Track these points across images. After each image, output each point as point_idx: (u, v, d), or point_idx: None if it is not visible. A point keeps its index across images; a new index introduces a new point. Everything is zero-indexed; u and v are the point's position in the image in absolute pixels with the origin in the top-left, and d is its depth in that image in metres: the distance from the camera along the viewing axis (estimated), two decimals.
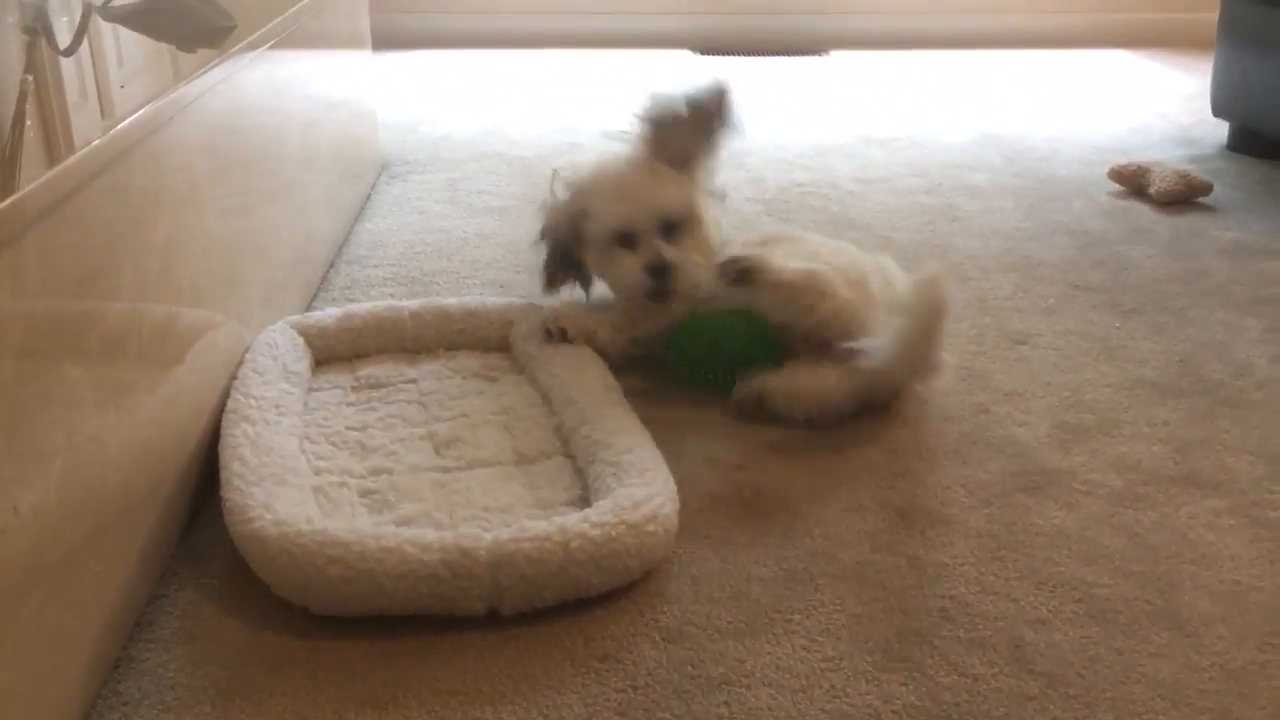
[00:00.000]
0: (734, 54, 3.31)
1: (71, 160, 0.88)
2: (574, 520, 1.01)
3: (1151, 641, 0.97)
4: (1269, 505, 1.16)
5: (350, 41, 2.03)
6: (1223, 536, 1.11)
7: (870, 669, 0.94)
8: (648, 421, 1.27)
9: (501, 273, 1.74)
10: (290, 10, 1.54)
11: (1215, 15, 2.38)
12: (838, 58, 3.28)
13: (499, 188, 2.14)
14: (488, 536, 0.98)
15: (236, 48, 1.30)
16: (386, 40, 3.36)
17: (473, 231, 1.91)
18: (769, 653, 0.96)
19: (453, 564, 0.96)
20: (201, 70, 1.18)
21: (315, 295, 1.65)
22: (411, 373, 1.37)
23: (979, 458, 1.25)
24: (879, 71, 3.12)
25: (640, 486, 1.07)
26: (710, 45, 3.40)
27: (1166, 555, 1.08)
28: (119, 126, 0.97)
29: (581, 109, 2.70)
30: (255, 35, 1.37)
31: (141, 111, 1.02)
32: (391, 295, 1.65)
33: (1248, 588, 1.04)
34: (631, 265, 1.38)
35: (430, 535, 0.98)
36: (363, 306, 1.43)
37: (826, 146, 2.42)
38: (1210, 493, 1.18)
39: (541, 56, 3.26)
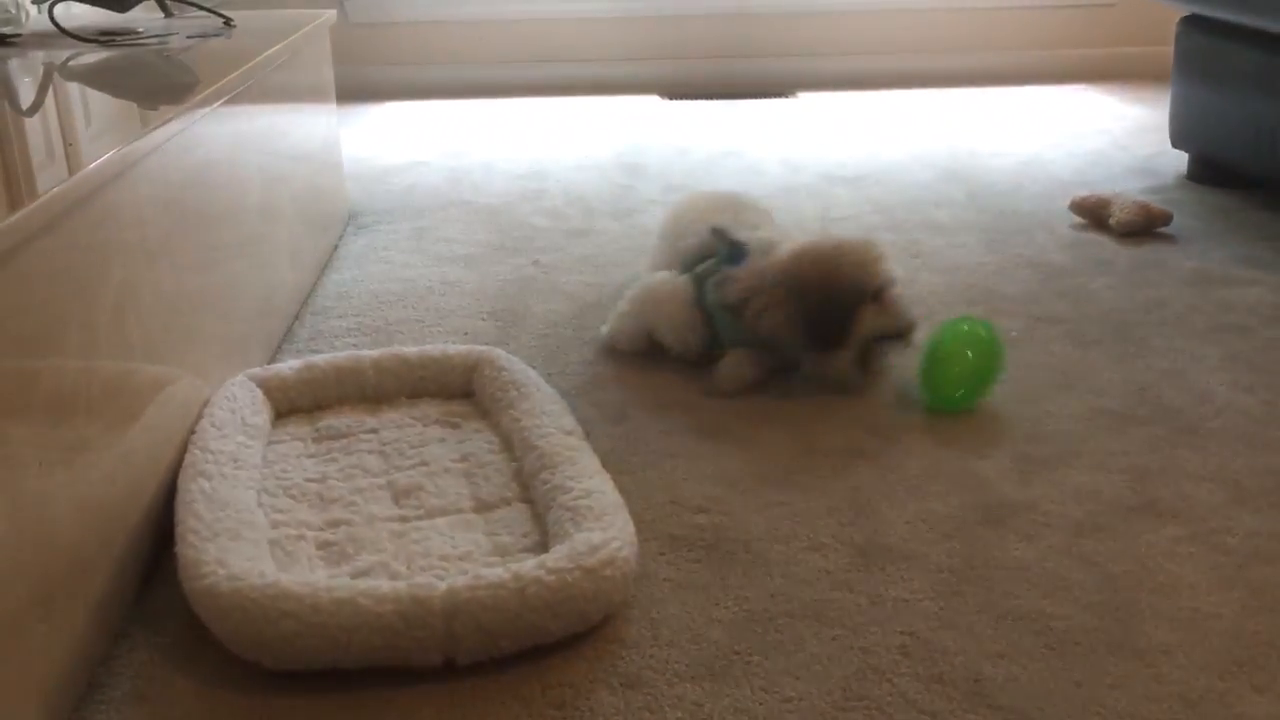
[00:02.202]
0: (702, 98, 3.34)
1: (15, 217, 0.88)
2: (529, 567, 1.00)
3: (1110, 672, 0.97)
4: (1228, 532, 1.16)
5: (314, 94, 2.04)
6: (1182, 565, 1.11)
7: (829, 709, 0.94)
8: (614, 464, 1.28)
9: (466, 320, 1.75)
10: (248, 65, 1.55)
11: (1171, 49, 2.42)
12: (805, 99, 3.31)
13: (466, 236, 2.14)
14: (442, 586, 0.98)
15: (190, 103, 1.30)
16: (354, 92, 3.39)
17: (438, 280, 1.91)
18: (728, 695, 0.95)
19: (407, 615, 0.96)
20: (153, 126, 1.19)
21: (279, 348, 1.65)
22: (372, 422, 1.37)
23: (940, 492, 1.25)
24: (845, 112, 3.15)
25: (598, 531, 1.06)
26: (678, 90, 3.44)
27: (1126, 585, 1.08)
28: (66, 182, 0.97)
29: (549, 156, 2.72)
30: (210, 90, 1.38)
31: (90, 167, 1.03)
32: (355, 345, 1.65)
33: (1207, 615, 1.04)
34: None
35: (384, 586, 0.98)
36: (323, 357, 1.43)
37: (792, 186, 2.44)
38: (1169, 521, 1.19)
39: (509, 105, 3.29)
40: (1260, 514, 1.19)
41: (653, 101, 3.32)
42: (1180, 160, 2.47)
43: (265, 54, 1.64)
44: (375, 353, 1.44)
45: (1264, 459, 1.30)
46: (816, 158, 2.67)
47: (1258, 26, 2.08)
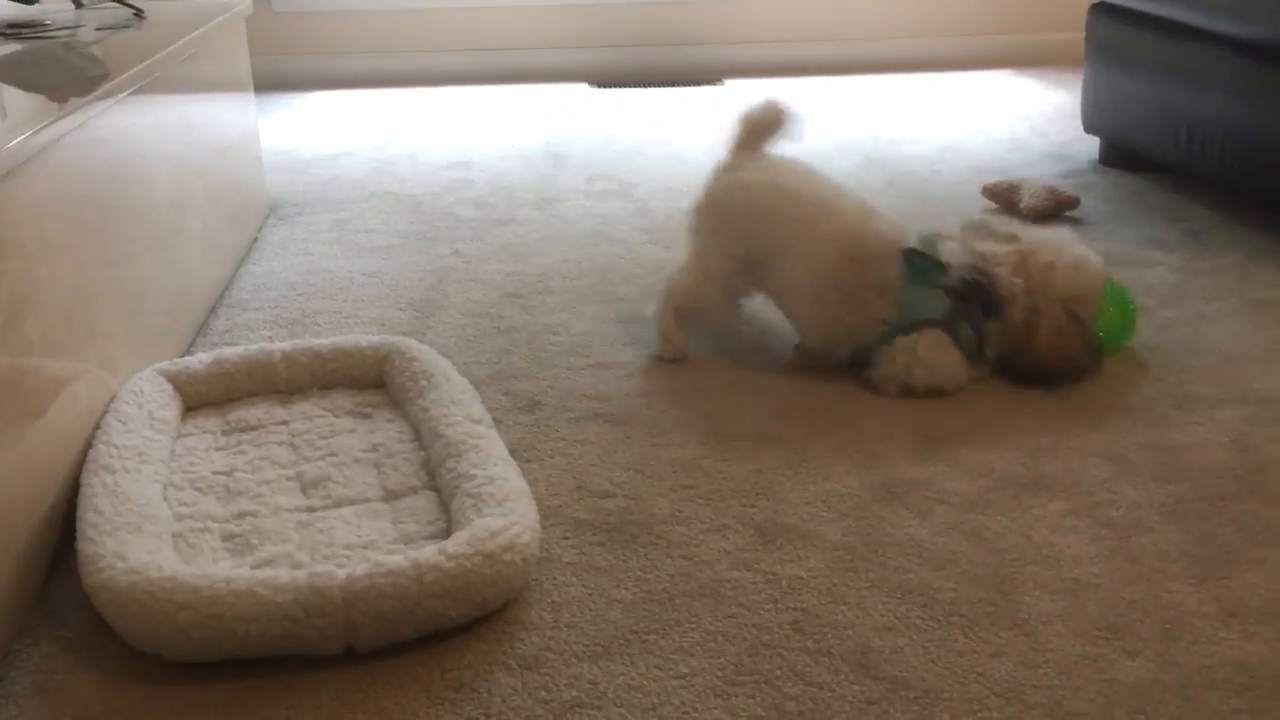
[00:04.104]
0: (630, 85, 3.36)
1: None
2: (429, 553, 1.02)
3: (991, 642, 1.01)
4: (1111, 505, 1.21)
5: (228, 85, 2.03)
6: (1065, 537, 1.15)
7: (720, 684, 0.96)
8: (523, 451, 1.30)
9: (385, 310, 1.75)
10: (156, 56, 1.54)
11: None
12: (732, 86, 3.34)
13: (387, 226, 2.15)
14: (341, 574, 0.99)
15: (91, 96, 1.30)
16: (278, 83, 3.37)
17: (358, 271, 1.92)
18: (623, 674, 0.98)
19: (306, 604, 0.97)
20: (50, 120, 1.18)
21: (194, 341, 1.64)
22: (283, 414, 1.37)
23: (841, 472, 1.28)
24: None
25: (498, 516, 1.08)
26: (606, 78, 3.45)
27: (1011, 558, 1.12)
28: None
29: (474, 146, 2.72)
30: (113, 83, 1.37)
31: None
32: (272, 338, 1.65)
33: (1086, 585, 1.08)
34: None
35: (283, 576, 0.99)
36: (234, 350, 1.43)
37: None
38: (1057, 495, 1.23)
39: (436, 95, 3.28)
40: (1143, 487, 1.24)
41: (581, 90, 3.33)
42: (1094, 145, 2.53)
43: (174, 45, 1.63)
44: (287, 345, 1.45)
45: (1150, 434, 1.35)
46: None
47: (1164, 15, 2.14)
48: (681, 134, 2.80)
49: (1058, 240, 1.49)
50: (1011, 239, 1.49)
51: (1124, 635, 1.01)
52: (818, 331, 1.50)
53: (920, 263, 1.44)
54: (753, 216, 1.52)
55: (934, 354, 1.43)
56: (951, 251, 1.45)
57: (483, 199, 2.31)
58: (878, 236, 1.46)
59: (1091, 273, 1.46)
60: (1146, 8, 2.17)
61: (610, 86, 3.36)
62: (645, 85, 3.37)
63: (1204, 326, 1.64)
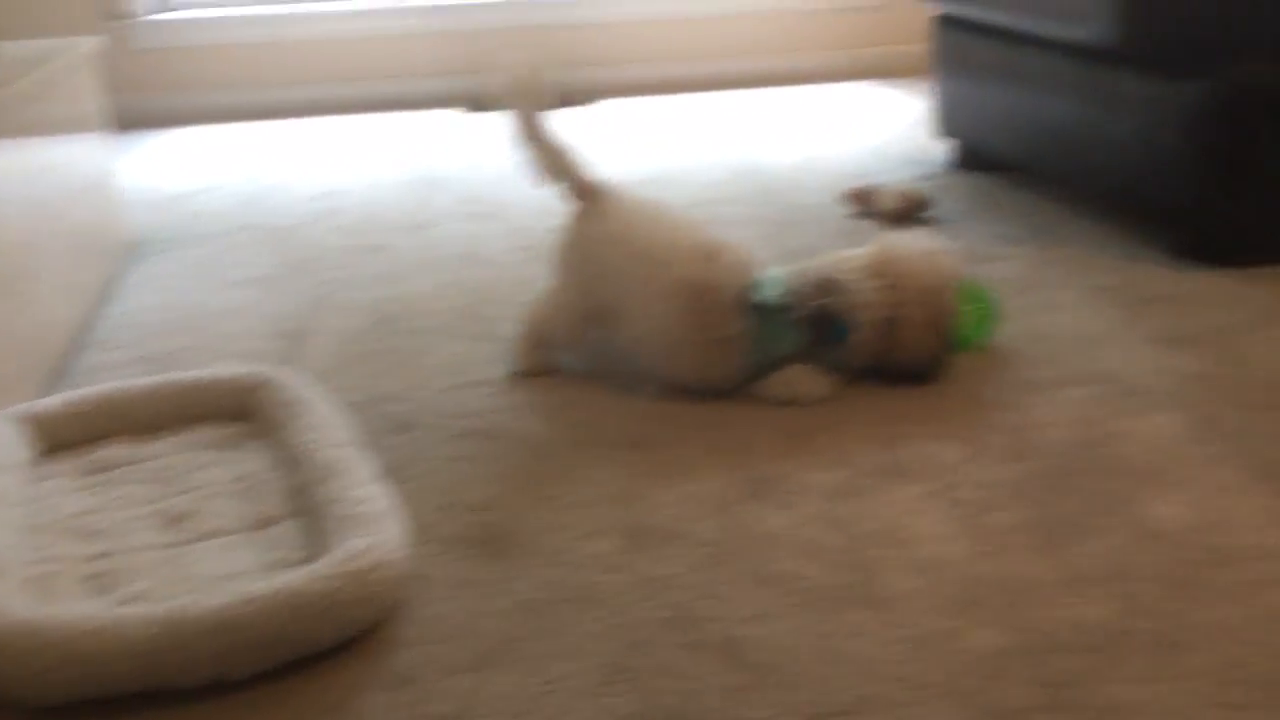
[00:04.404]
0: (504, 110, 3.37)
1: None
2: (296, 578, 1.02)
3: (851, 622, 1.05)
4: (963, 486, 1.26)
5: (80, 125, 1.99)
6: (921, 519, 1.20)
7: (592, 685, 0.98)
8: (395, 472, 1.30)
9: (253, 343, 1.73)
10: None
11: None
12: (606, 106, 3.38)
13: (256, 259, 2.12)
14: (205, 605, 0.98)
15: None
16: (143, 119, 3.30)
17: (224, 305, 1.89)
18: (496, 683, 0.99)
19: (169, 637, 0.96)
20: None
21: (54, 384, 1.60)
22: (146, 451, 1.35)
23: (708, 472, 1.32)
24: (643, 117, 3.24)
25: (365, 537, 1.08)
26: (480, 103, 3.46)
27: (871, 542, 1.17)
28: None
29: (346, 175, 2.71)
30: None
31: None
32: (135, 376, 1.61)
33: (940, 562, 1.13)
34: None
35: (144, 611, 0.97)
36: (92, 390, 1.41)
37: None
38: (913, 480, 1.28)
39: (307, 126, 3.26)
40: (993, 467, 1.30)
41: (455, 115, 3.34)
42: (947, 149, 2.63)
43: (14, 87, 1.60)
44: (147, 381, 1.43)
45: (999, 417, 1.41)
46: (614, 163, 2.73)
47: (999, 23, 2.24)
48: None
49: (911, 241, 1.55)
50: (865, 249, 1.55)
51: (975, 607, 1.06)
52: (677, 381, 1.50)
53: (766, 305, 1.46)
54: (598, 274, 1.51)
55: (794, 388, 1.47)
56: (792, 277, 1.48)
57: (354, 227, 2.30)
58: (719, 287, 1.45)
59: (944, 269, 1.52)
60: (983, 17, 2.28)
61: (484, 111, 3.37)
62: None
63: (1051, 314, 1.73)
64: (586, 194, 1.56)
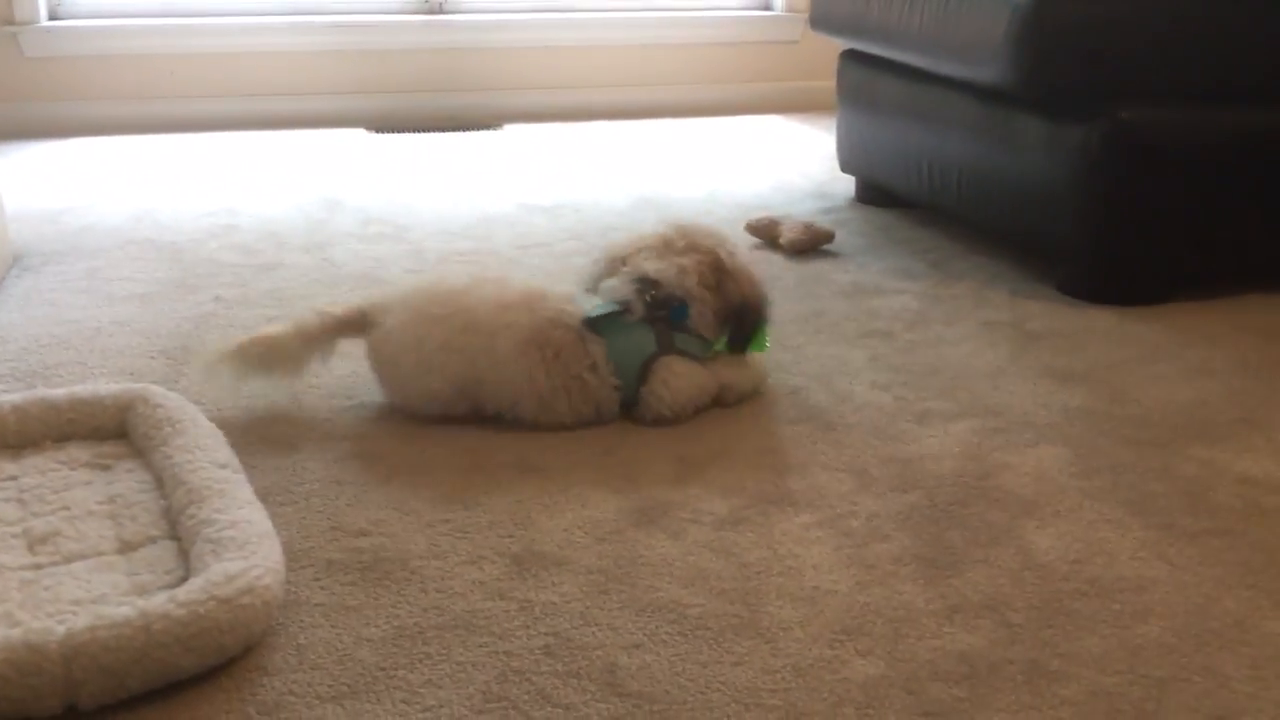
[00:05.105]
0: (408, 131, 3.34)
1: None
2: (158, 602, 0.97)
3: (734, 651, 1.04)
4: (851, 516, 1.27)
5: None
6: (809, 548, 1.20)
7: (467, 713, 0.96)
8: (277, 494, 1.26)
9: (135, 360, 1.67)
10: None
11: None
12: (511, 131, 3.37)
13: (143, 274, 2.06)
14: (60, 629, 0.94)
15: None
16: (31, 129, 3.20)
17: (108, 320, 1.83)
18: (368, 712, 0.96)
19: (19, 663, 0.91)
20: None
21: None
22: (12, 469, 1.29)
23: (599, 499, 1.30)
24: (549, 144, 3.23)
25: (238, 560, 1.04)
26: (385, 123, 3.42)
27: (758, 571, 1.16)
28: None
29: (242, 191, 2.64)
30: None
31: None
32: (6, 391, 1.55)
33: (825, 591, 1.13)
34: None
35: None
36: None
37: (491, 216, 2.48)
38: (803, 509, 1.28)
39: (205, 141, 3.18)
40: (881, 498, 1.31)
41: (359, 135, 3.29)
42: (850, 184, 2.67)
43: None
44: (16, 397, 1.37)
45: (889, 449, 1.43)
46: (517, 188, 2.72)
47: (902, 60, 2.29)
48: (459, 177, 2.80)
49: (673, 221, 1.62)
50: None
51: (857, 636, 1.06)
52: (566, 422, 1.47)
53: (604, 321, 1.47)
54: (434, 369, 1.46)
55: (672, 383, 1.47)
56: (615, 288, 1.51)
57: (249, 245, 2.25)
58: (558, 327, 1.45)
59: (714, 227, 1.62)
60: (887, 54, 2.32)
61: (389, 132, 3.33)
62: (424, 131, 3.36)
63: (942, 348, 1.75)
64: (364, 319, 1.52)
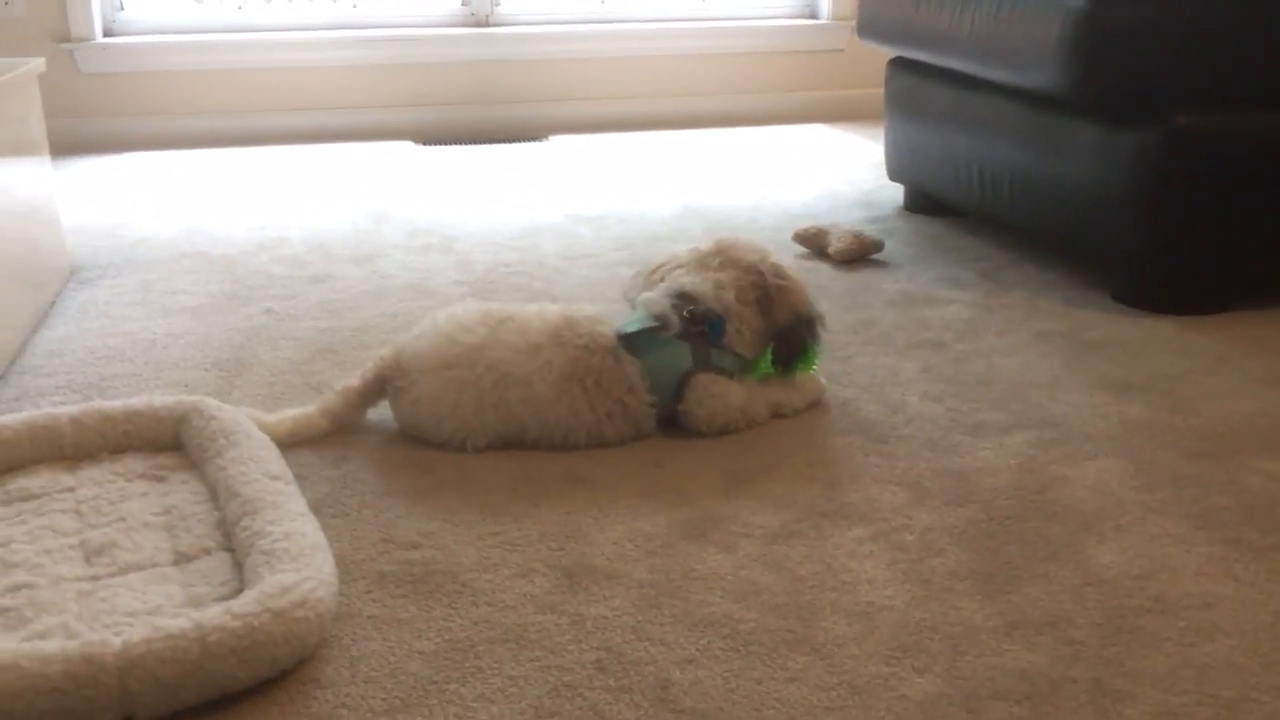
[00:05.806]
0: (456, 143, 3.37)
1: None
2: (213, 614, 0.98)
3: (788, 667, 1.02)
4: (906, 530, 1.25)
5: (17, 148, 1.94)
6: (862, 563, 1.19)
7: None
8: (328, 506, 1.26)
9: (188, 372, 1.69)
10: None
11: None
12: (556, 143, 3.38)
13: (196, 287, 2.08)
14: (116, 641, 0.94)
15: None
16: (89, 144, 3.26)
17: (162, 332, 1.85)
18: None
19: (76, 675, 0.92)
20: None
21: None
22: (70, 480, 1.31)
23: (649, 511, 1.29)
24: (595, 155, 3.23)
25: (291, 572, 1.05)
26: (432, 136, 3.45)
27: (811, 585, 1.15)
28: None
29: (293, 204, 2.67)
30: None
31: None
32: (63, 403, 1.57)
33: (880, 607, 1.11)
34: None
35: (51, 647, 0.93)
36: (15, 417, 1.36)
37: (537, 227, 2.48)
38: (856, 523, 1.26)
39: (255, 155, 3.22)
40: (935, 511, 1.29)
41: (406, 147, 3.32)
42: (899, 192, 2.65)
43: None
44: (74, 409, 1.38)
45: (943, 461, 1.41)
46: (563, 199, 2.72)
47: (951, 67, 2.27)
48: (505, 189, 2.82)
49: (714, 238, 1.59)
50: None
51: (914, 653, 1.04)
52: (612, 443, 1.45)
53: (639, 338, 1.45)
54: (473, 430, 1.43)
55: (707, 402, 1.46)
56: (652, 301, 1.49)
57: (299, 257, 2.27)
58: (594, 350, 1.43)
59: (757, 242, 1.58)
60: (935, 61, 2.30)
61: (436, 144, 3.36)
62: (471, 143, 3.38)
63: (995, 358, 1.73)
64: (384, 382, 1.48)
